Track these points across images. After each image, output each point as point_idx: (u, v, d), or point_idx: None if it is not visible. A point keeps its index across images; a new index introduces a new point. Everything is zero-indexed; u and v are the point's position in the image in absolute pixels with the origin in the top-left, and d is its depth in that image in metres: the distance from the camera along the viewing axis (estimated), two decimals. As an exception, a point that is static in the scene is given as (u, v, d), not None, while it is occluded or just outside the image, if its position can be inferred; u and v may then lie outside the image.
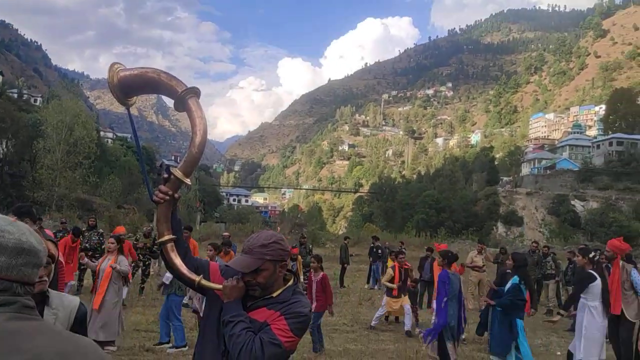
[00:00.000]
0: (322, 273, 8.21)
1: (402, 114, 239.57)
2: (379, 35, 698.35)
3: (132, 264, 11.12)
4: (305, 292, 4.10)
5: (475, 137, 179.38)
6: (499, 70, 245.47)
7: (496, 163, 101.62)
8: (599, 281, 6.37)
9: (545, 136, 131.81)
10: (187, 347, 7.57)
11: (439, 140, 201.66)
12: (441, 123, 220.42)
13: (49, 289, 2.32)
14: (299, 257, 13.37)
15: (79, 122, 45.82)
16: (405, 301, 10.02)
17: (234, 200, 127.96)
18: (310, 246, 17.82)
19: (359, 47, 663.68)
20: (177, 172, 2.23)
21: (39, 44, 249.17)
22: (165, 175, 2.26)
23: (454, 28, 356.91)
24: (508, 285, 6.71)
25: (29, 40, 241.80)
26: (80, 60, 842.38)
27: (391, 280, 10.05)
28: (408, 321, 9.81)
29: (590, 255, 6.68)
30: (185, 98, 2.25)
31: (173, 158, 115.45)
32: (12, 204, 41.02)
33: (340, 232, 63.81)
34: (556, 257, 14.59)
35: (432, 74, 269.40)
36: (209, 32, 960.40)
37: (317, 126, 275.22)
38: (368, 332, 9.81)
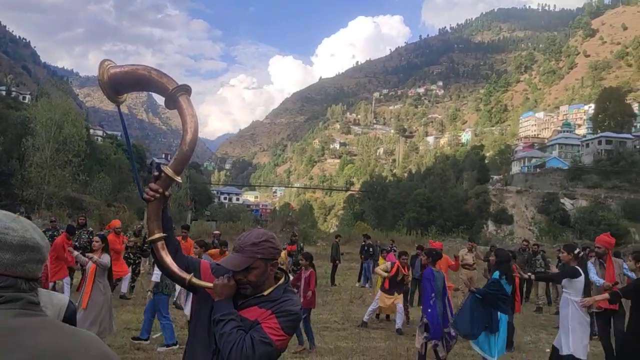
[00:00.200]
0: (310, 270, 8.26)
1: (393, 112, 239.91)
2: (370, 34, 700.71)
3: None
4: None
5: (465, 136, 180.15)
6: (489, 69, 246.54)
7: (486, 161, 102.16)
8: (582, 277, 6.47)
9: (535, 135, 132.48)
10: (177, 345, 7.56)
11: (430, 139, 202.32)
12: (432, 121, 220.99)
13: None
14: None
15: (69, 120, 45.49)
16: (399, 299, 10.06)
17: (225, 198, 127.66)
18: (302, 244, 17.87)
19: (350, 46, 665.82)
20: (168, 170, 2.22)
21: (27, 41, 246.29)
22: (156, 173, 2.24)
23: (445, 27, 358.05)
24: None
25: (17, 37, 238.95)
26: (70, 57, 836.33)
27: (394, 276, 10.01)
28: (399, 319, 9.86)
29: (575, 252, 6.76)
30: (176, 96, 2.23)
31: (163, 156, 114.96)
32: (0, 201, 40.71)
33: (332, 231, 63.88)
34: (546, 255, 14.68)
35: (423, 73, 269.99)
36: (200, 30, 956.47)
37: (308, 124, 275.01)
38: (359, 329, 9.83)
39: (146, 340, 7.68)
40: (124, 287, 11.91)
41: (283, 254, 12.15)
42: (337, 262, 18.07)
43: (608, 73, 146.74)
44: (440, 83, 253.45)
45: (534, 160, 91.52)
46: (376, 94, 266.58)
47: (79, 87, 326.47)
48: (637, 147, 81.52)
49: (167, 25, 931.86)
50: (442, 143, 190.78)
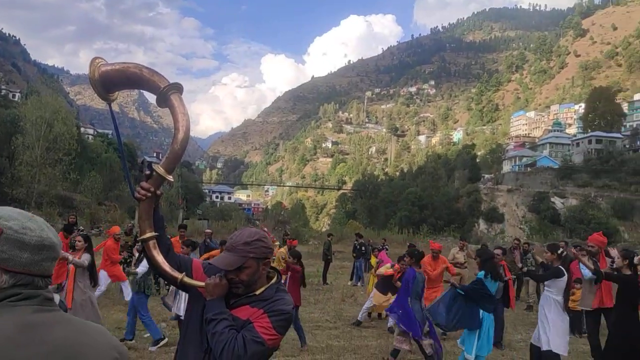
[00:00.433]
0: (297, 267, 8.25)
1: (385, 111, 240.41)
2: (362, 33, 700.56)
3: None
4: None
5: (457, 135, 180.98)
6: (480, 68, 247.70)
7: (478, 160, 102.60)
8: (565, 277, 6.57)
9: (526, 134, 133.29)
10: (166, 339, 7.58)
11: (422, 138, 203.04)
12: (424, 121, 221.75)
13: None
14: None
15: (59, 118, 45.18)
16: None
17: (217, 197, 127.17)
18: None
19: (342, 45, 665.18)
20: (159, 169, 2.20)
21: (17, 38, 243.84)
22: (148, 172, 2.23)
23: (437, 26, 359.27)
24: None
25: (7, 34, 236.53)
26: (60, 55, 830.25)
27: (390, 277, 9.87)
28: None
29: (559, 252, 6.84)
30: (168, 94, 2.22)
31: (155, 155, 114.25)
32: (-11, 201, 40.37)
33: (324, 229, 63.92)
34: (535, 253, 14.75)
35: (414, 72, 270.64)
36: (192, 28, 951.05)
37: (300, 123, 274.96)
38: (351, 328, 9.84)
39: (131, 340, 7.65)
40: (127, 294, 11.07)
41: (284, 249, 12.12)
42: (330, 258, 18.20)
43: (598, 73, 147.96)
44: (432, 82, 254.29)
45: (524, 159, 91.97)
46: (368, 93, 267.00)
47: (69, 85, 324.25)
48: (627, 146, 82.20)
49: (159, 24, 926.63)
50: (433, 142, 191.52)
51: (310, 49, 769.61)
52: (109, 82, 2.34)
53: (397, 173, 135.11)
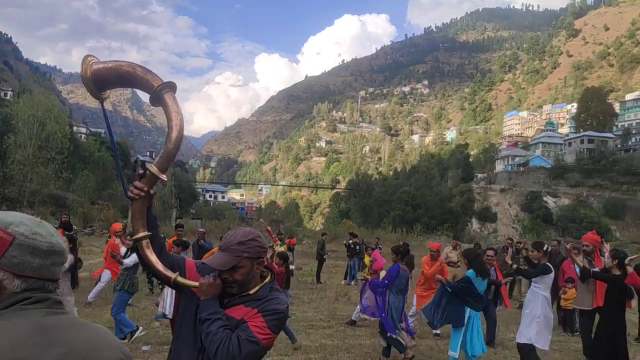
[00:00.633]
0: (281, 269, 8.24)
1: (379, 110, 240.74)
2: (356, 32, 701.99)
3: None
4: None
5: (450, 134, 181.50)
6: (474, 68, 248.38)
7: (471, 160, 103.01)
8: (553, 274, 6.71)
9: (518, 134, 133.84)
10: (139, 329, 7.60)
11: (415, 137, 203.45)
12: (417, 120, 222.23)
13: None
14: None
15: (51, 117, 44.88)
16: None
17: (210, 196, 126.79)
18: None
19: (336, 44, 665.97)
20: (153, 168, 2.19)
21: (9, 36, 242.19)
22: (141, 171, 2.21)
23: (430, 26, 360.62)
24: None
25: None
26: (53, 53, 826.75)
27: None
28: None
29: (544, 249, 6.93)
30: (161, 93, 2.20)
31: (148, 154, 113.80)
32: (-19, 200, 40.07)
33: (318, 229, 63.99)
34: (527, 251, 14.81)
35: (408, 72, 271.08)
36: (185, 27, 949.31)
37: (294, 122, 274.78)
38: (344, 327, 9.84)
39: (123, 339, 7.61)
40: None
41: (284, 248, 12.12)
42: (324, 256, 18.23)
43: (590, 73, 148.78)
44: (426, 82, 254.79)
45: (517, 159, 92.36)
46: (362, 93, 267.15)
47: (62, 83, 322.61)
48: (618, 146, 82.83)
49: (152, 22, 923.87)
50: (427, 141, 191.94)
51: (304, 48, 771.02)
52: (102, 81, 2.31)
53: (391, 172, 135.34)
